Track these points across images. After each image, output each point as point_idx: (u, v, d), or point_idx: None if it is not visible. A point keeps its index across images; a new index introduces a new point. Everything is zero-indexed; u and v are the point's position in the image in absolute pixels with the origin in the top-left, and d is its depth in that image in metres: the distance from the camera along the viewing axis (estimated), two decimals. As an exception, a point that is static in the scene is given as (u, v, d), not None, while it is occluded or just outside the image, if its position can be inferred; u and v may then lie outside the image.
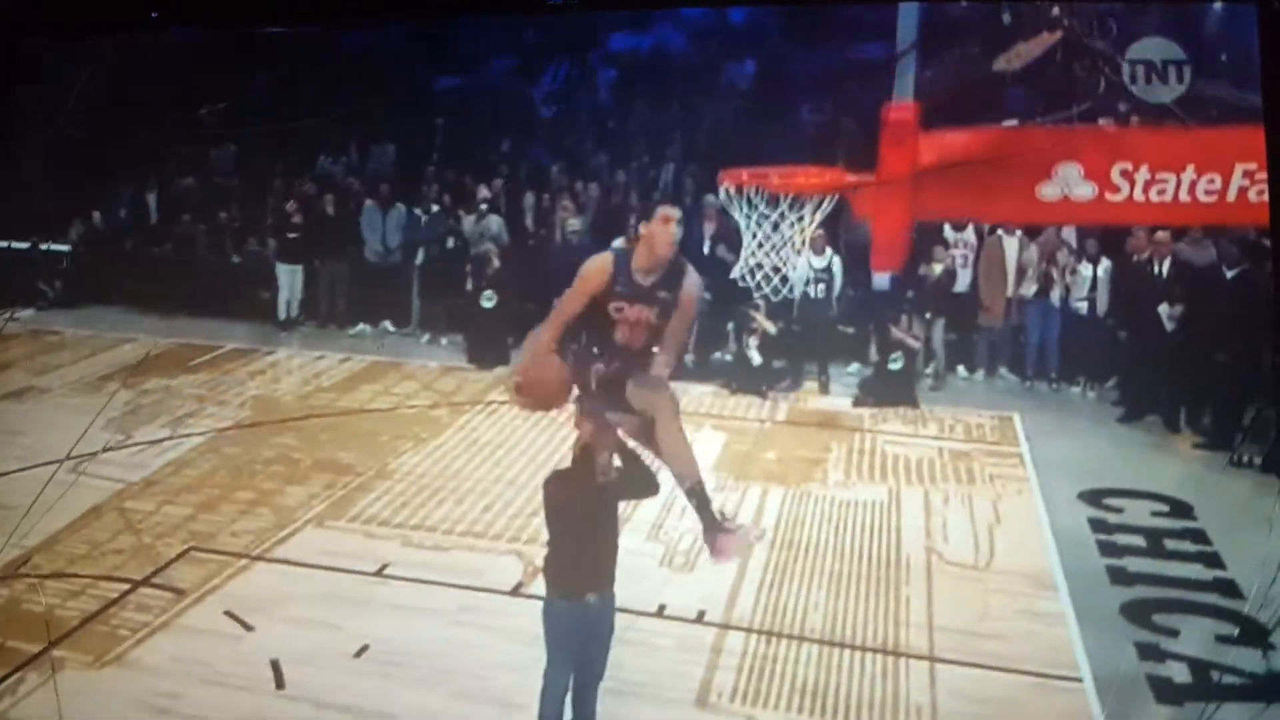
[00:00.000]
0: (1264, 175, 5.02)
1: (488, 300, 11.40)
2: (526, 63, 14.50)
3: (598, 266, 4.84)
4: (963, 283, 10.98)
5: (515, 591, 6.72)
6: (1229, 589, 6.91)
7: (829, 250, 10.91)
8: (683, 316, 4.89)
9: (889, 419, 10.05)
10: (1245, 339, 9.19)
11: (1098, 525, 7.83)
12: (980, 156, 5.18)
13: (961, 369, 11.20)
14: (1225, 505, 8.14)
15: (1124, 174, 5.15)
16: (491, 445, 9.14)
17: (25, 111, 12.18)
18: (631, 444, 4.88)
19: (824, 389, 10.80)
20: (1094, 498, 8.26)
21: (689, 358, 11.10)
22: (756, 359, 10.76)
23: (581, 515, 4.70)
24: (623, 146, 13.78)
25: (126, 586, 6.79)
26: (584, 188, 13.01)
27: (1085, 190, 5.06)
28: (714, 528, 4.89)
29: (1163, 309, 9.70)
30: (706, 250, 11.68)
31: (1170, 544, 7.54)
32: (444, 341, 12.08)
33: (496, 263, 11.61)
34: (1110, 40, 9.74)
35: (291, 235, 12.52)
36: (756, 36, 13.96)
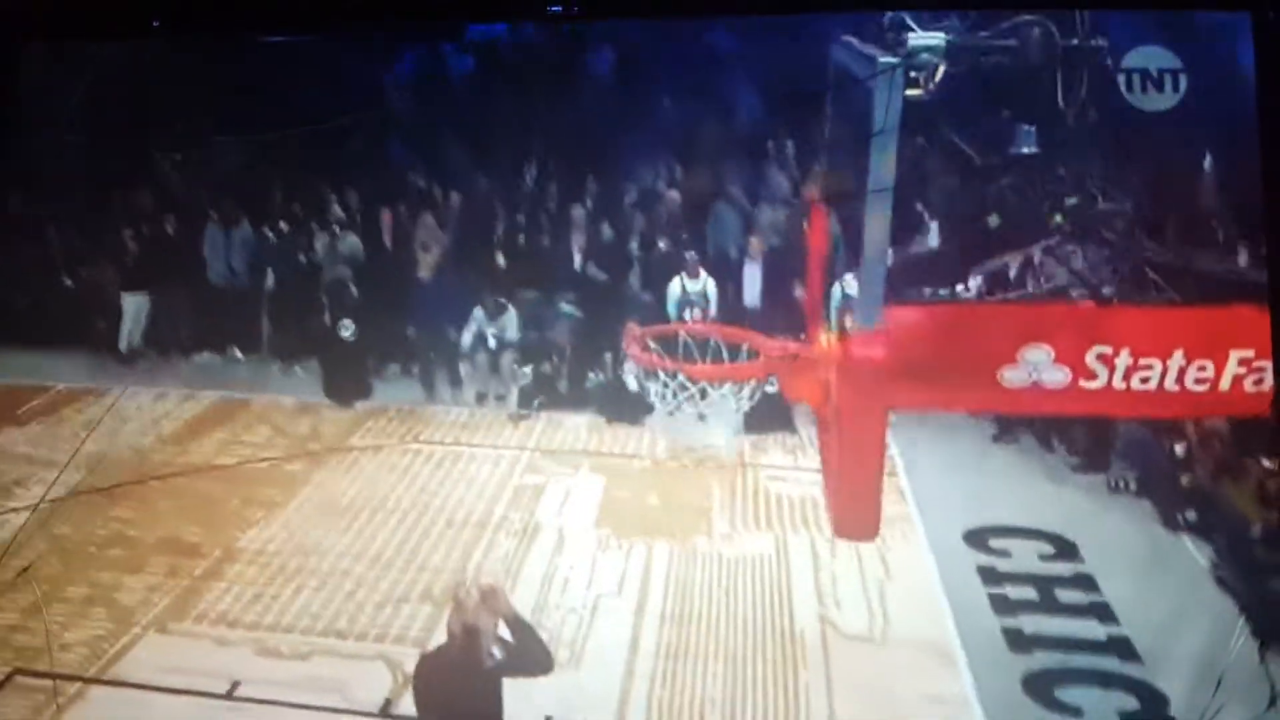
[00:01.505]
0: (1261, 363, 4.69)
1: (346, 330, 10.63)
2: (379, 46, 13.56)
3: None
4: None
5: (384, 712, 6.14)
6: (1125, 649, 6.83)
7: (703, 273, 10.50)
8: None
9: (769, 449, 9.74)
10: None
11: (988, 575, 7.66)
12: (934, 338, 4.77)
13: (835, 384, 10.93)
14: (1108, 540, 8.05)
15: (1102, 358, 4.77)
16: (354, 508, 8.47)
17: None
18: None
19: (701, 416, 10.43)
20: (979, 539, 8.10)
21: (562, 384, 10.66)
22: (633, 384, 10.34)
23: (463, 710, 4.14)
24: (483, 144, 13.04)
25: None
26: (444, 197, 12.26)
27: (1057, 376, 4.70)
28: None
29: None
30: (578, 266, 11.18)
31: (1061, 595, 7.43)
32: (298, 370, 11.24)
33: (354, 290, 10.86)
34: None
35: (129, 259, 11.48)
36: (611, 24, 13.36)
